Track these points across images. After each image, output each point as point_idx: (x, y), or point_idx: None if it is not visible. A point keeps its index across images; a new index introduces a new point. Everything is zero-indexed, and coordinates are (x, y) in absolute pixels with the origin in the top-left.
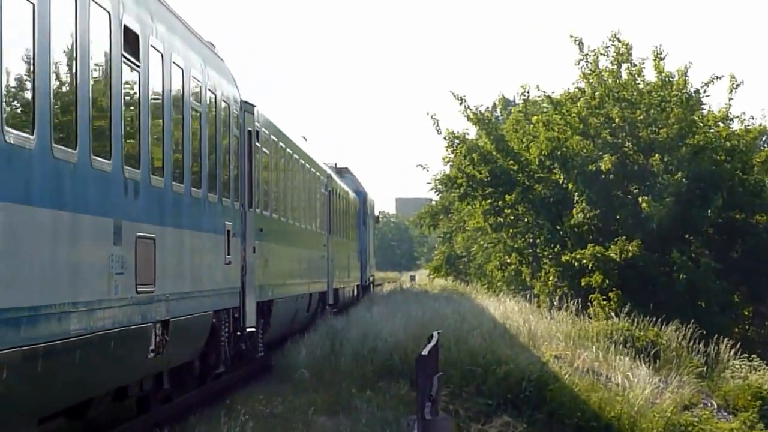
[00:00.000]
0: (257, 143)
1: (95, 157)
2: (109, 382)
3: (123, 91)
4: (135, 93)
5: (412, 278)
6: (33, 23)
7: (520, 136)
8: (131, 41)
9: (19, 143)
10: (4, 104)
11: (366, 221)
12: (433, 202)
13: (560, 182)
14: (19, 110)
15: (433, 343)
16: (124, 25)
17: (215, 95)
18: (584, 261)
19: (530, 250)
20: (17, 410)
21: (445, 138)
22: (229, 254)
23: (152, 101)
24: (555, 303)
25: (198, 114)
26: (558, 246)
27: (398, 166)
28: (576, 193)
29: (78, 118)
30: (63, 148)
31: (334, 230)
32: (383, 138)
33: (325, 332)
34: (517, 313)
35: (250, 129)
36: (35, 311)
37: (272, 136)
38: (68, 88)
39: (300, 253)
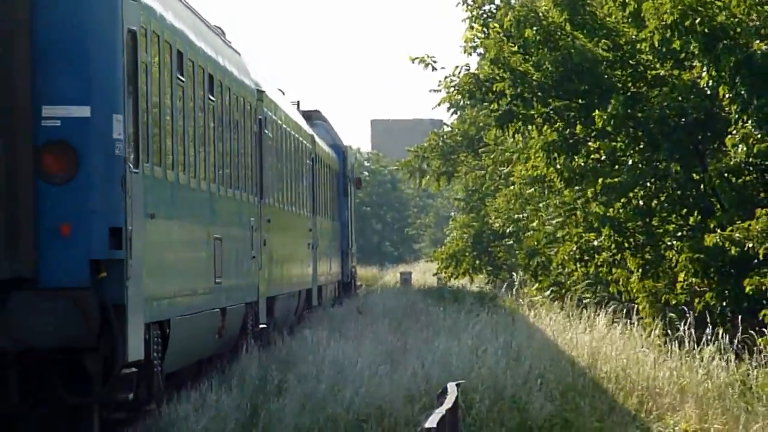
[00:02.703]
0: (266, 131)
1: (195, 179)
2: (196, 354)
3: (200, 118)
4: (210, 120)
5: (405, 279)
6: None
7: None
8: (209, 82)
9: (159, 176)
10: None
11: (346, 189)
12: (446, 130)
13: (701, 84)
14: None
15: (447, 404)
16: (177, 51)
17: (243, 99)
18: (750, 244)
19: (639, 223)
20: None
21: (464, 2)
22: (252, 248)
23: (218, 124)
24: (688, 324)
25: (236, 122)
26: (697, 214)
27: (369, 81)
28: (735, 106)
29: (184, 148)
30: (181, 174)
31: (318, 209)
32: (340, 56)
33: (252, 376)
34: (615, 343)
35: (260, 117)
36: (179, 293)
37: (275, 117)
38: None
39: (293, 244)
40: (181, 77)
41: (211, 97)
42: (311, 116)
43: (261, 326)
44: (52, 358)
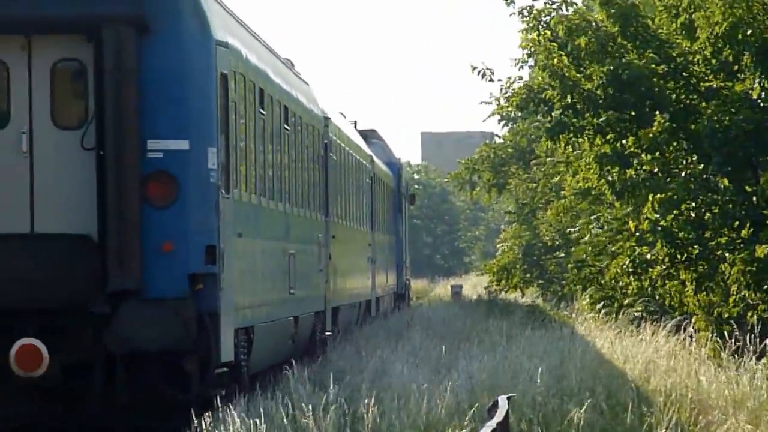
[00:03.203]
0: (331, 153)
1: (273, 201)
2: (274, 357)
3: (277, 146)
4: (285, 147)
5: (456, 292)
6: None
7: (669, 7)
8: (285, 113)
9: (245, 200)
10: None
11: (401, 205)
12: (494, 144)
13: (753, 95)
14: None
15: (498, 418)
16: (259, 89)
17: (314, 127)
18: None
19: (691, 236)
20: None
21: (520, 12)
22: (320, 262)
23: (291, 150)
24: (739, 337)
25: (306, 147)
26: (749, 227)
27: (418, 95)
28: None
29: (264, 174)
30: (262, 197)
31: (376, 224)
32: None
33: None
34: (667, 356)
35: (326, 141)
36: (261, 303)
37: (338, 141)
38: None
39: (355, 258)
40: (262, 111)
41: (286, 127)
42: (368, 135)
43: (327, 333)
44: (156, 360)
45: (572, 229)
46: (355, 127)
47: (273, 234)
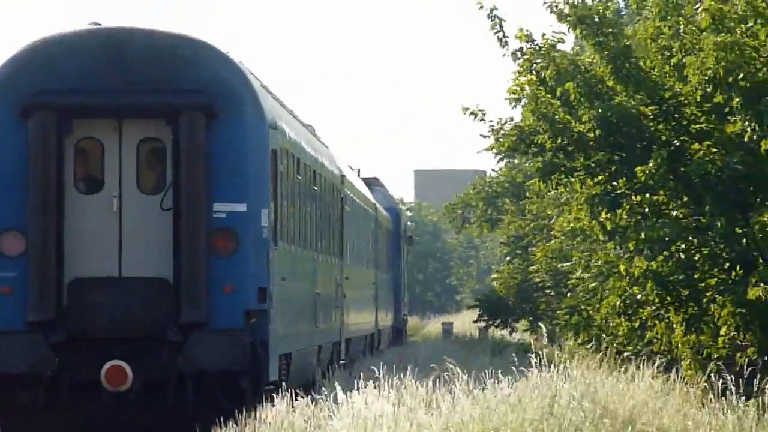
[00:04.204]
0: (345, 206)
1: (305, 250)
2: (304, 378)
3: (309, 204)
4: (313, 204)
5: (446, 330)
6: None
7: (662, 48)
8: (314, 176)
9: (287, 250)
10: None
11: (400, 246)
12: (489, 177)
13: (744, 136)
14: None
15: None
16: (297, 159)
17: (334, 185)
18: None
19: (682, 278)
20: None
21: (513, 54)
22: (336, 300)
23: (318, 206)
24: (727, 379)
25: (328, 203)
26: (740, 268)
27: (410, 132)
28: None
29: (299, 228)
30: (299, 248)
31: (379, 265)
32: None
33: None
34: (656, 396)
35: (342, 196)
36: (297, 334)
37: (351, 194)
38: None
39: (363, 296)
40: (298, 176)
41: (315, 187)
42: (371, 183)
43: (341, 361)
44: (217, 378)
45: (562, 268)
46: (359, 174)
47: (305, 277)
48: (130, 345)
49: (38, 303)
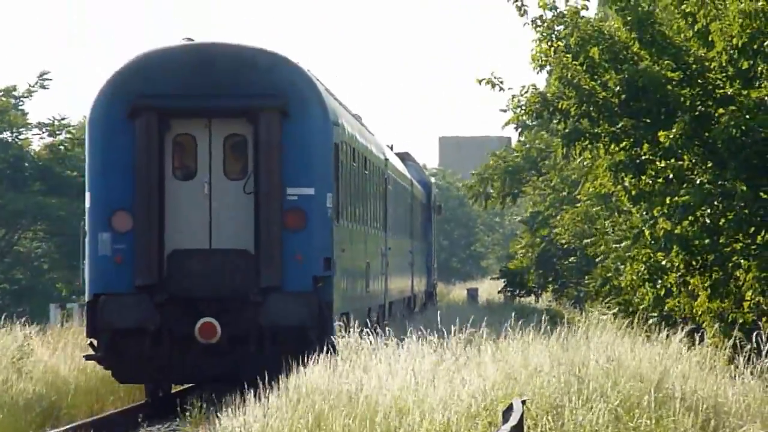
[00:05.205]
0: (389, 186)
1: (359, 225)
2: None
3: (361, 186)
4: (365, 186)
5: (472, 295)
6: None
7: (686, 15)
8: (365, 162)
9: (346, 226)
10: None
11: (431, 216)
12: (514, 146)
13: None
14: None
15: (512, 422)
16: (353, 149)
17: (379, 168)
18: None
19: (707, 242)
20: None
21: (533, 22)
22: (382, 268)
23: (368, 188)
24: (756, 343)
25: (375, 184)
26: (765, 233)
27: (436, 99)
28: None
29: (355, 207)
30: (354, 224)
31: (414, 235)
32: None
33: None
34: (681, 362)
35: (386, 177)
36: (353, 297)
37: (392, 174)
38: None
39: (401, 263)
40: (354, 164)
41: (366, 171)
42: (404, 158)
43: (385, 322)
44: (291, 332)
45: (588, 240)
46: (392, 149)
47: (359, 249)
48: (219, 305)
49: (144, 270)
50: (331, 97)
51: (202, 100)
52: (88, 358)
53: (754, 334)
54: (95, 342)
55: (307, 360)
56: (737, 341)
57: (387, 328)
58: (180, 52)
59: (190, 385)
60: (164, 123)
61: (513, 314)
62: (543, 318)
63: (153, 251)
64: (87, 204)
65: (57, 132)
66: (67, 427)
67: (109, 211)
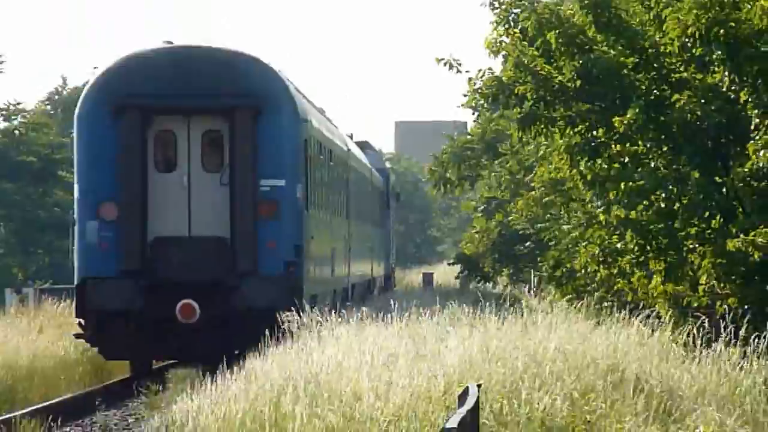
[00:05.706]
0: (351, 175)
1: (326, 213)
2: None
3: (326, 176)
4: (329, 176)
5: (428, 280)
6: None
7: None
8: (330, 154)
9: (314, 215)
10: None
11: (389, 203)
12: (470, 130)
13: (723, 88)
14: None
15: (468, 405)
16: (319, 143)
17: (342, 158)
18: None
19: (661, 227)
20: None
21: (491, 4)
22: (344, 253)
23: (332, 177)
24: (706, 328)
25: (338, 173)
26: (720, 218)
27: (392, 84)
28: (756, 111)
29: (322, 196)
30: (322, 212)
31: (373, 222)
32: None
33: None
34: (639, 349)
35: (348, 167)
36: (320, 281)
37: (354, 165)
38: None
39: (362, 248)
40: (320, 156)
41: (330, 163)
42: (363, 146)
43: (348, 303)
44: (264, 314)
45: (543, 225)
46: (352, 138)
47: (325, 236)
48: (197, 288)
49: (128, 256)
50: (301, 95)
51: (182, 99)
52: (77, 336)
53: (707, 317)
54: (83, 322)
55: (279, 340)
56: (692, 325)
57: (352, 310)
58: (161, 54)
59: (172, 362)
60: (146, 120)
61: (470, 300)
62: (500, 302)
63: (137, 239)
64: (76, 195)
65: (12, 117)
66: (23, 411)
67: (96, 202)
